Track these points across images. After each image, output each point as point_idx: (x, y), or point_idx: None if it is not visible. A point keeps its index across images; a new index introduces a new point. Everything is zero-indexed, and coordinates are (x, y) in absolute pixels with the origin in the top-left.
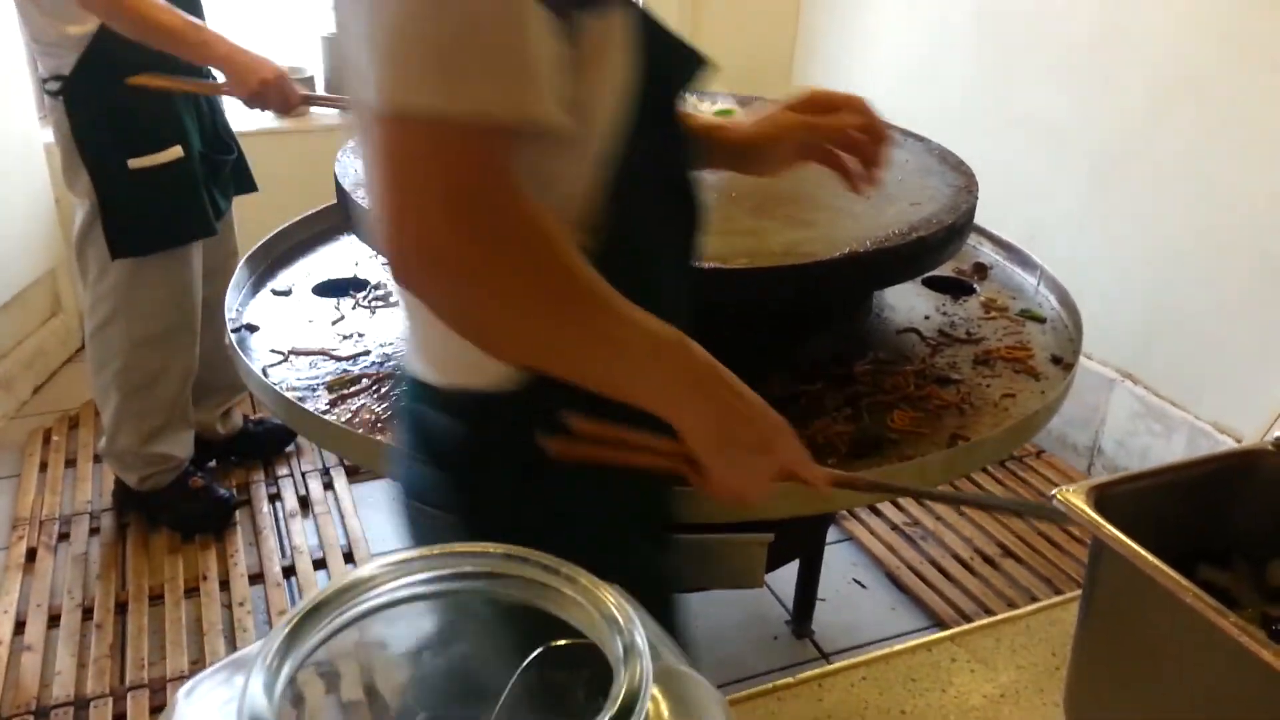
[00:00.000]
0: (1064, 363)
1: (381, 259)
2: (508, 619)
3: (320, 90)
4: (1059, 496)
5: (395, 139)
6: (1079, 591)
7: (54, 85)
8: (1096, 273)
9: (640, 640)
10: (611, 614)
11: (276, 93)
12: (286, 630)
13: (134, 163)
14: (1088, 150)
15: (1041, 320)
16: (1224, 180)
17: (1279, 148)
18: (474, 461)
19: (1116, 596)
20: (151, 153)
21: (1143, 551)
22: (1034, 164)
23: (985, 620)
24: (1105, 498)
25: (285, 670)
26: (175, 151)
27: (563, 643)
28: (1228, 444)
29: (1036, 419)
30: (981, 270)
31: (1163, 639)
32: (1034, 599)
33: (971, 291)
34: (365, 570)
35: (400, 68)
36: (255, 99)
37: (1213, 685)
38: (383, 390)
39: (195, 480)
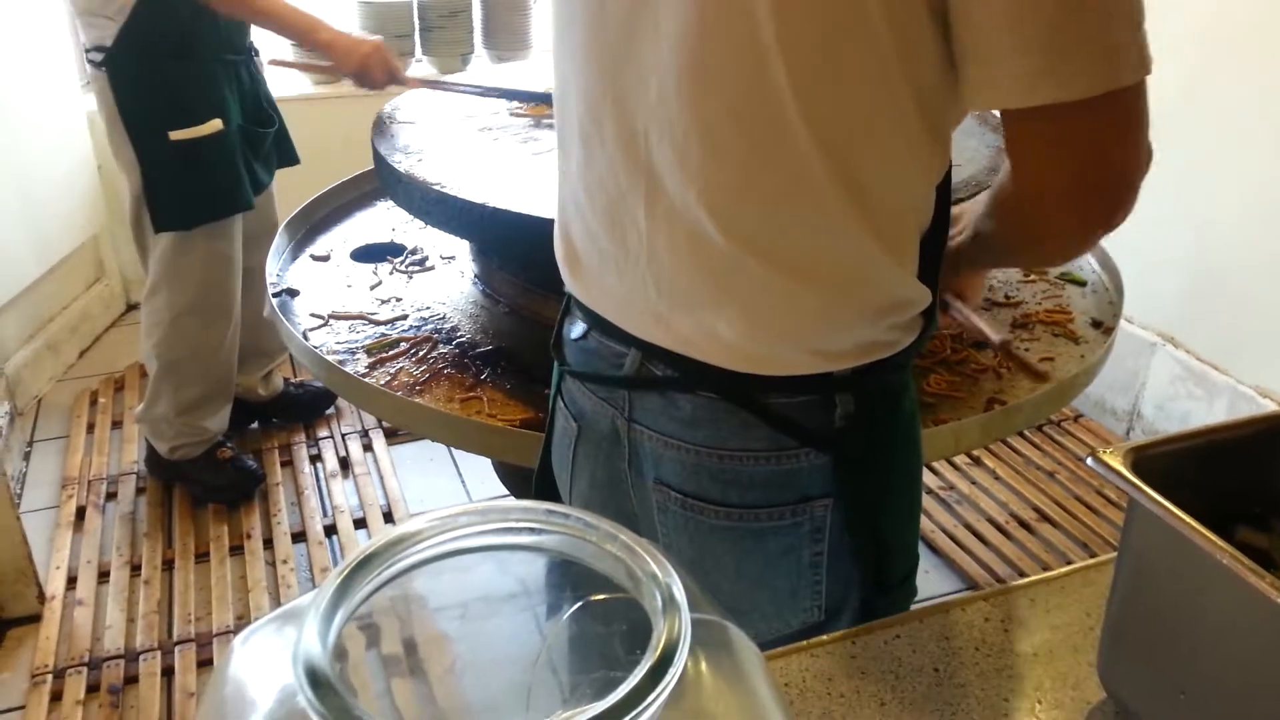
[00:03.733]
0: (1104, 327)
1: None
2: (553, 574)
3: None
4: (1096, 458)
5: (1132, 105)
6: (1115, 554)
7: (96, 56)
8: (1137, 235)
9: (679, 594)
10: (650, 569)
11: (380, 68)
12: (337, 582)
13: (175, 135)
14: None
15: (1082, 284)
16: (1266, 140)
17: None
18: (869, 426)
19: (1152, 557)
20: (192, 125)
21: (1179, 512)
22: None
23: (1020, 581)
24: (1142, 460)
25: (337, 621)
26: (215, 124)
27: (602, 597)
28: (1270, 408)
29: (1075, 383)
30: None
31: (1198, 600)
32: (1069, 563)
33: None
34: (412, 525)
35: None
36: (361, 76)
37: (1249, 645)
38: (420, 353)
39: (224, 451)
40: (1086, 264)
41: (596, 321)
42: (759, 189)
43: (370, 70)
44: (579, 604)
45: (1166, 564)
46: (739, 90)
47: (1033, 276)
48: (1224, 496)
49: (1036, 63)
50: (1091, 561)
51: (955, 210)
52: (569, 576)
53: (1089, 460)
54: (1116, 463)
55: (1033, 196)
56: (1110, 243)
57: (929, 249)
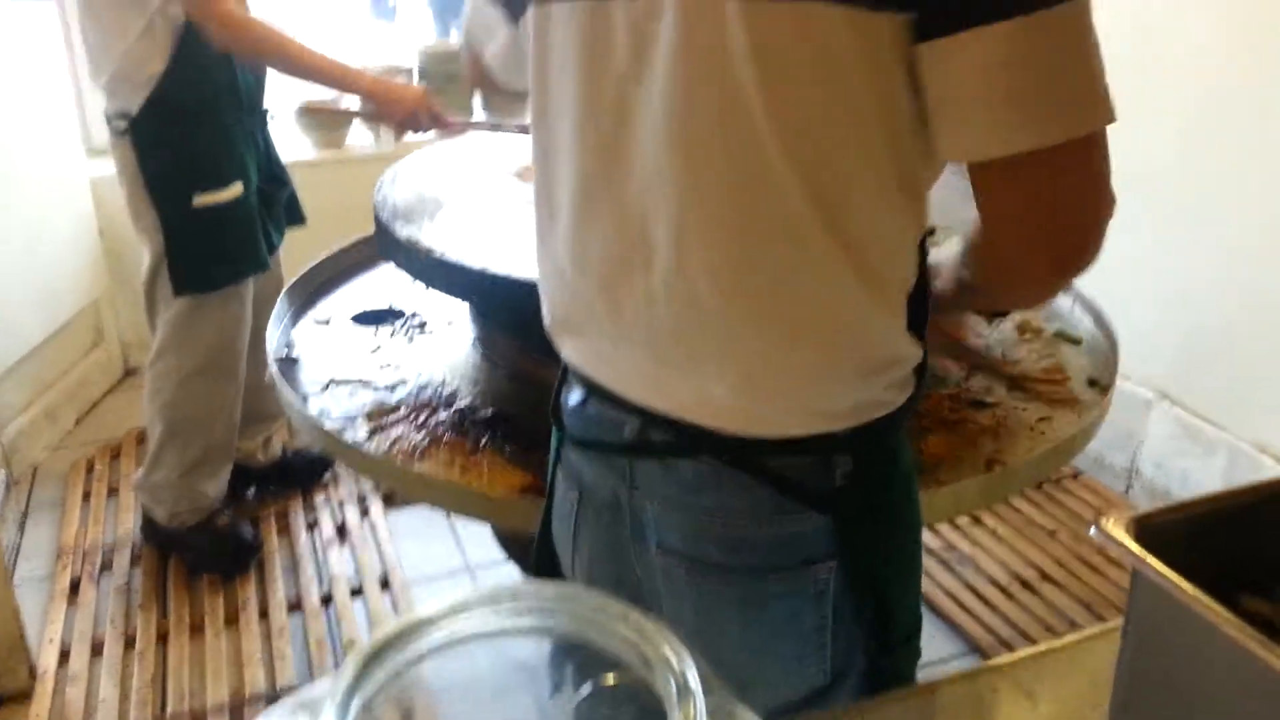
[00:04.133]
0: (1101, 385)
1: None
2: (561, 656)
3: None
4: (1100, 528)
5: (1096, 151)
6: (1119, 621)
7: (120, 124)
8: (1132, 292)
9: (693, 680)
10: (664, 654)
11: (426, 115)
12: (352, 672)
13: (199, 199)
14: (1121, 169)
15: (1077, 342)
16: (1260, 197)
17: None
18: (867, 484)
19: (1158, 628)
20: (216, 189)
21: (1183, 582)
22: None
23: (1027, 650)
24: (1146, 528)
25: (352, 711)
26: (237, 188)
27: (613, 681)
28: (1269, 465)
29: (1073, 443)
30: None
31: (1206, 671)
32: (1073, 624)
33: (1005, 313)
34: (423, 611)
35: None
36: (407, 123)
37: (1257, 717)
38: (420, 419)
39: (222, 520)
40: (1081, 321)
41: (594, 388)
42: (756, 254)
43: (417, 117)
44: (588, 688)
45: (1172, 634)
46: (731, 162)
47: (1027, 336)
48: (1228, 564)
49: (1009, 114)
50: (1096, 630)
51: (932, 259)
52: (576, 657)
53: (1092, 530)
54: (1119, 532)
55: (1002, 243)
56: (1104, 300)
57: (915, 305)
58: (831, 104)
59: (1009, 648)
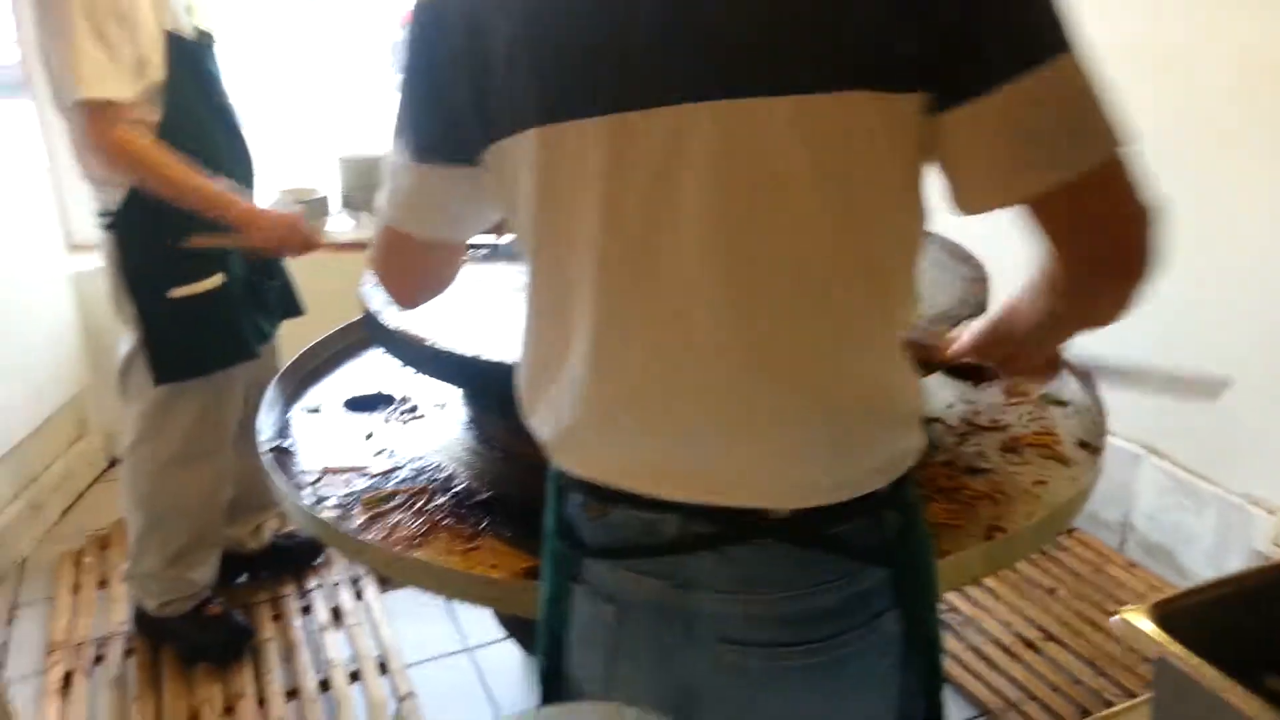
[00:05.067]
0: (1092, 447)
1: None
2: None
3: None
4: (1122, 619)
5: (1122, 172)
6: (1136, 700)
7: (105, 220)
8: (1114, 350)
9: None
10: None
11: (297, 240)
12: None
13: (175, 292)
14: None
15: (1064, 404)
16: (1238, 253)
17: None
18: (912, 532)
19: (1184, 713)
20: (193, 281)
21: (1207, 667)
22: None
23: None
24: (1168, 613)
25: None
26: (215, 280)
27: None
28: (1260, 517)
29: (1071, 507)
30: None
31: None
32: (1078, 682)
33: (992, 377)
34: None
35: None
36: (279, 249)
37: None
38: (417, 505)
39: (213, 608)
40: (1067, 385)
41: (617, 496)
42: (807, 330)
43: (287, 244)
44: None
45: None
46: (783, 248)
47: (1015, 400)
48: (1250, 644)
49: (1032, 158)
50: (1119, 708)
51: (1009, 305)
52: None
53: (1113, 621)
54: (1142, 620)
55: (1070, 268)
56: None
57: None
58: (871, 178)
59: (1017, 710)
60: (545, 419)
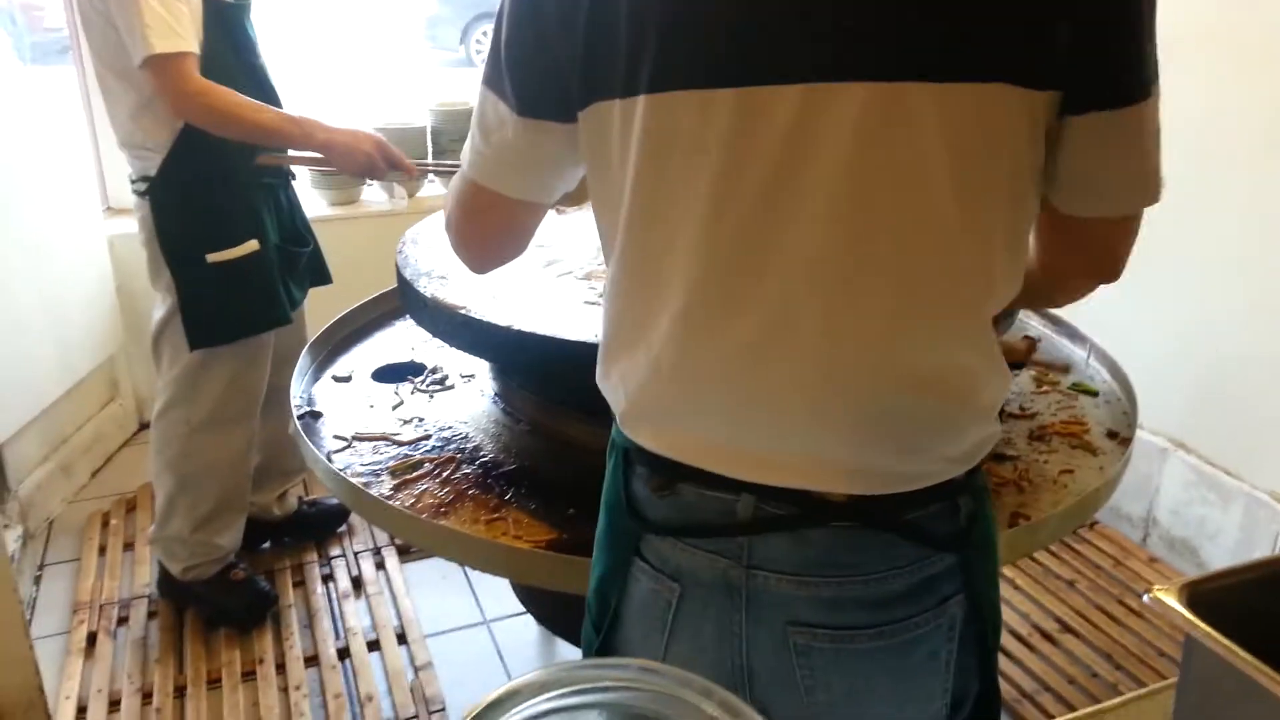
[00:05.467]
0: (1120, 437)
1: None
2: None
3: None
4: (1154, 596)
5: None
6: (1163, 683)
7: (140, 186)
8: (1145, 342)
9: None
10: None
11: (384, 160)
12: None
13: (212, 257)
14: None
15: (1094, 394)
16: (1272, 245)
17: None
18: (977, 520)
19: (1212, 694)
20: (229, 247)
21: (1237, 648)
22: None
23: (1076, 715)
24: (1198, 594)
25: None
26: (251, 245)
27: None
28: None
29: (1097, 496)
30: (1031, 343)
31: None
32: (1094, 675)
33: (1022, 365)
34: (506, 688)
35: None
36: (364, 172)
37: None
38: (444, 474)
39: (237, 573)
40: (1098, 373)
41: (689, 473)
42: (920, 322)
43: (375, 168)
44: None
45: (1227, 701)
46: (911, 237)
47: (1045, 388)
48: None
49: (1127, 182)
50: (1143, 691)
51: None
52: None
53: (1145, 598)
54: (1173, 600)
55: (1063, 273)
56: (1120, 351)
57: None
58: (1002, 168)
59: (1032, 700)
60: (619, 386)
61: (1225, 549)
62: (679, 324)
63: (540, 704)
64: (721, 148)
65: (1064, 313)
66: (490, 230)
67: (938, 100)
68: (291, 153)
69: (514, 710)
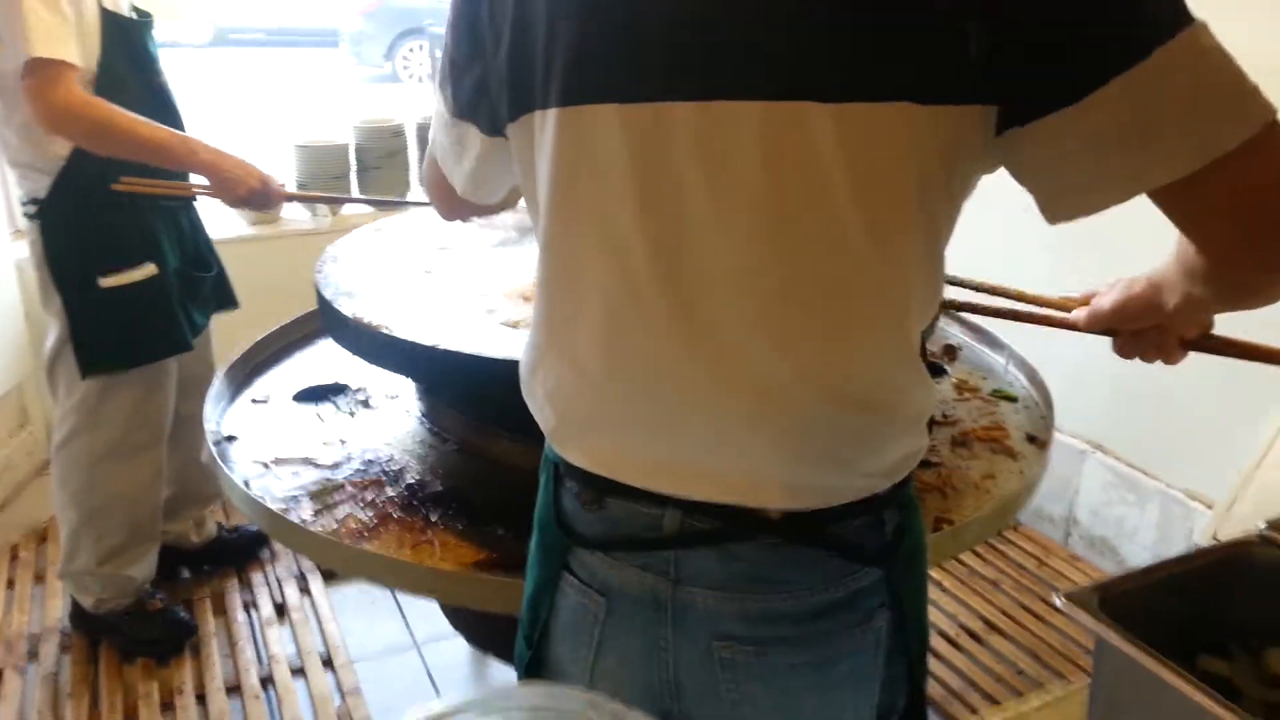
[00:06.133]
0: (1039, 441)
1: None
2: None
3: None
4: (1065, 599)
5: (1267, 150)
6: (1077, 685)
7: (30, 208)
8: (1062, 348)
9: None
10: None
11: (262, 196)
12: None
13: (105, 281)
14: (1046, 228)
15: (1013, 399)
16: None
17: None
18: (908, 532)
19: (1122, 694)
20: (124, 270)
21: (1144, 649)
22: (993, 245)
23: (995, 717)
24: (1108, 597)
25: None
26: (149, 269)
27: None
28: (1200, 511)
29: (1017, 499)
30: (951, 352)
31: None
32: (1020, 673)
33: (943, 373)
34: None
35: None
36: (240, 202)
37: None
38: (368, 497)
39: (154, 603)
40: (1017, 379)
41: (616, 488)
42: (835, 334)
43: (251, 202)
44: None
45: (1136, 698)
46: (818, 253)
47: (966, 395)
48: (1186, 626)
49: (1128, 164)
50: (1060, 692)
51: (1146, 278)
52: None
53: (1057, 601)
54: (1082, 602)
55: (1216, 258)
56: (1038, 356)
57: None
58: (909, 190)
59: (960, 699)
60: (546, 404)
61: (1144, 546)
62: (597, 337)
63: None
64: (633, 161)
65: (978, 319)
66: (449, 200)
67: (835, 122)
68: (160, 182)
69: None
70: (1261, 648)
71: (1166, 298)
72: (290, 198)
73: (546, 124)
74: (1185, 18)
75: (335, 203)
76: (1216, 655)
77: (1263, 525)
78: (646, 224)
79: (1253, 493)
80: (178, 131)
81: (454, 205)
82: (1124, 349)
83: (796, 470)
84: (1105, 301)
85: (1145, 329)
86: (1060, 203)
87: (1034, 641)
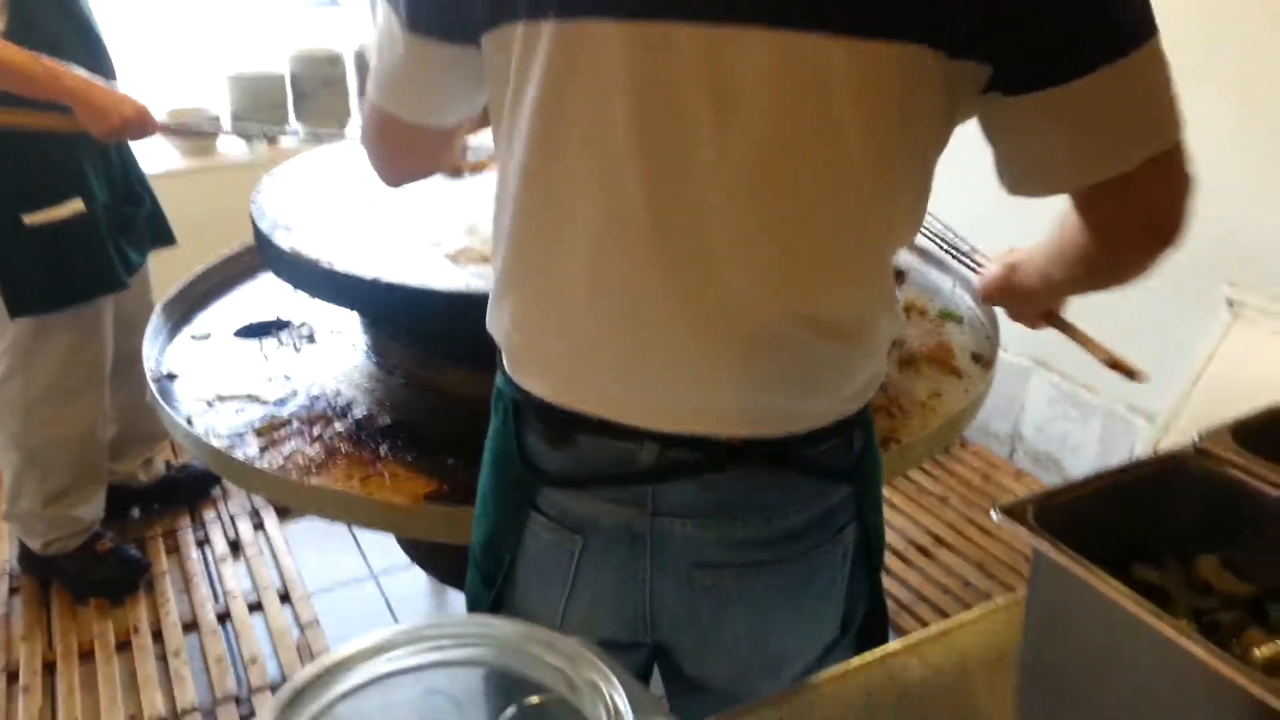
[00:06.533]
0: (984, 360)
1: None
2: (492, 687)
3: (228, 126)
4: (1002, 512)
5: (1176, 160)
6: (1020, 594)
7: None
8: None
9: (622, 702)
10: (590, 678)
11: (137, 127)
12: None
13: (30, 218)
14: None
15: (959, 320)
16: None
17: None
18: (866, 451)
19: (1057, 603)
20: (48, 207)
21: (1076, 557)
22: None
23: (935, 628)
24: (1044, 510)
25: None
26: (75, 205)
27: (535, 700)
28: (1140, 424)
29: (963, 417)
30: (900, 275)
31: (1103, 639)
32: (967, 584)
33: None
34: (340, 653)
35: None
36: (113, 134)
37: (1150, 682)
38: (314, 432)
39: (104, 543)
40: (963, 300)
41: (587, 423)
42: (827, 268)
43: (125, 134)
44: (513, 711)
45: (1071, 608)
46: (823, 191)
47: (914, 316)
48: (1121, 537)
49: (1088, 153)
50: (1000, 603)
51: (1013, 258)
52: (505, 687)
53: (994, 515)
54: (1018, 515)
55: (1105, 246)
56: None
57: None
58: (912, 125)
59: (909, 611)
60: (511, 333)
61: (1086, 460)
62: (580, 266)
63: (379, 666)
64: (633, 83)
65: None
66: (394, 150)
67: (846, 55)
68: (21, 112)
69: (353, 674)
70: (1193, 556)
71: (1030, 278)
72: (167, 129)
73: (536, 36)
74: (1155, 25)
75: (207, 137)
76: (1150, 565)
77: (1196, 437)
78: (644, 149)
79: (1193, 405)
80: (42, 57)
81: (398, 162)
82: (1009, 315)
83: (776, 399)
84: (982, 278)
85: (1015, 306)
86: (1023, 178)
87: (981, 555)
